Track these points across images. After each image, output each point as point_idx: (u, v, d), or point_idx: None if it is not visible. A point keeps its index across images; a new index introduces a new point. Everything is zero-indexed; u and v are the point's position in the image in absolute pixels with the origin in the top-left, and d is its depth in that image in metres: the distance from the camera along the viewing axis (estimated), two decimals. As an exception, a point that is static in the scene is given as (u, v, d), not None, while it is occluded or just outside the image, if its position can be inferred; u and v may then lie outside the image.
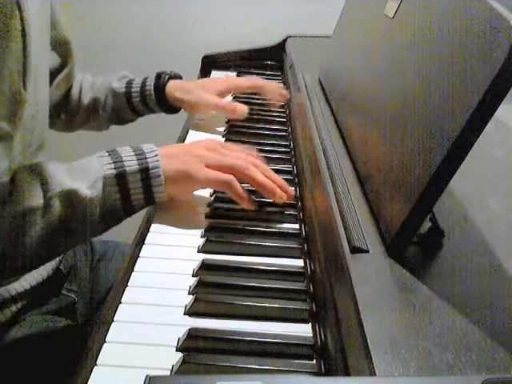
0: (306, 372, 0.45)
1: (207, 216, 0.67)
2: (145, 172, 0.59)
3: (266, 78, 1.21)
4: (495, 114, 0.40)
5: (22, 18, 0.55)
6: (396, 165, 0.50)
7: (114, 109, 0.92)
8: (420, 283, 0.42)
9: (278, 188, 0.65)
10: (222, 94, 0.93)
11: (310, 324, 0.50)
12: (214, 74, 1.24)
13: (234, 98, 1.08)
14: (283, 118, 1.00)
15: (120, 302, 0.51)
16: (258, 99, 1.08)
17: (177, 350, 0.46)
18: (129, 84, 0.91)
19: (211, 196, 0.71)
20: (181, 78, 0.94)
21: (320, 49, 1.02)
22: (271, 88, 1.00)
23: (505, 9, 0.42)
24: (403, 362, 0.34)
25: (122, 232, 0.88)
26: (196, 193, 0.71)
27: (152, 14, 1.52)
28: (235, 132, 0.92)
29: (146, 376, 0.31)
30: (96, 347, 0.46)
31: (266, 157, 0.82)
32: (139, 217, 0.69)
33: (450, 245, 0.49)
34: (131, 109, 0.92)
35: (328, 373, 0.44)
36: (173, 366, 0.44)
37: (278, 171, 0.78)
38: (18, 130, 0.59)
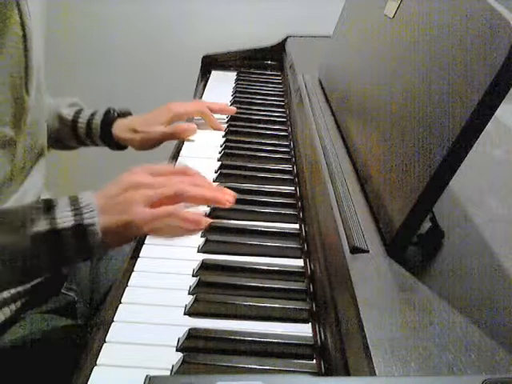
0: (306, 372, 0.45)
1: (207, 216, 0.67)
2: (80, 228, 0.53)
3: (266, 78, 1.22)
4: (495, 113, 0.40)
5: (22, 23, 0.55)
6: (396, 165, 0.50)
7: (58, 135, 0.89)
8: (420, 283, 0.42)
9: (221, 193, 0.63)
10: (168, 124, 0.90)
11: (310, 324, 0.50)
12: (214, 74, 1.25)
13: (233, 99, 1.08)
14: (283, 117, 1.00)
15: (120, 302, 0.51)
16: (258, 99, 1.08)
17: (177, 350, 0.46)
18: (77, 113, 0.89)
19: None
20: (130, 113, 0.93)
21: (320, 49, 1.02)
22: (212, 116, 0.95)
23: (505, 9, 0.42)
24: (403, 362, 0.34)
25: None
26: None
27: (152, 14, 1.52)
28: (235, 132, 0.92)
29: (146, 376, 0.31)
30: (96, 347, 0.46)
31: (266, 157, 0.83)
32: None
33: (449, 245, 0.49)
34: (75, 138, 0.90)
35: (328, 373, 0.44)
36: (173, 366, 0.44)
37: (278, 171, 0.79)
38: (22, 135, 0.59)
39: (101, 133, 0.88)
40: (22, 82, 0.57)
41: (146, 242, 0.61)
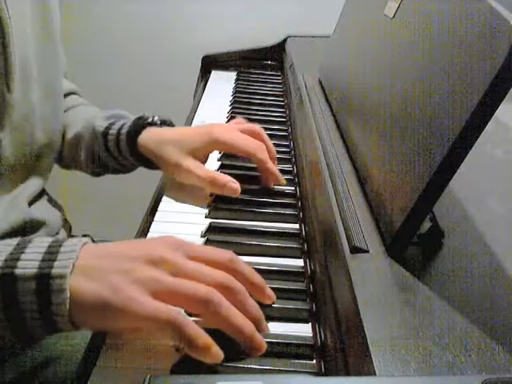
0: (306, 372, 0.45)
1: (207, 216, 0.67)
2: (43, 280, 0.40)
3: (266, 78, 1.22)
4: (495, 113, 0.40)
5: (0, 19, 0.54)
6: (396, 165, 0.50)
7: (92, 149, 0.75)
8: (420, 283, 0.42)
9: (256, 332, 0.44)
10: (203, 151, 0.69)
11: (309, 324, 0.50)
12: (214, 74, 1.25)
13: (233, 99, 1.08)
14: (283, 118, 1.00)
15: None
16: (258, 99, 1.08)
17: (176, 350, 0.46)
18: (111, 124, 0.73)
19: (211, 196, 0.71)
20: (171, 124, 0.75)
21: (320, 49, 1.02)
22: (270, 167, 0.70)
23: (505, 9, 0.42)
24: (403, 362, 0.34)
25: (122, 232, 0.88)
26: (196, 192, 0.71)
27: (152, 14, 1.52)
28: (235, 132, 0.92)
29: (146, 376, 0.31)
30: (96, 347, 0.46)
31: (266, 157, 0.83)
32: (139, 216, 0.69)
33: (449, 245, 0.49)
34: (108, 153, 0.73)
35: (328, 373, 0.44)
36: (173, 366, 0.44)
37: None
38: (7, 132, 0.58)
39: (126, 143, 0.70)
40: (2, 80, 0.56)
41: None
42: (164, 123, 0.74)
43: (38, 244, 0.43)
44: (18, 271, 0.40)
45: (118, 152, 0.72)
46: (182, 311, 0.43)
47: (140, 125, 0.71)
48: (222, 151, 0.73)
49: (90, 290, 0.40)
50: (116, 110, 0.77)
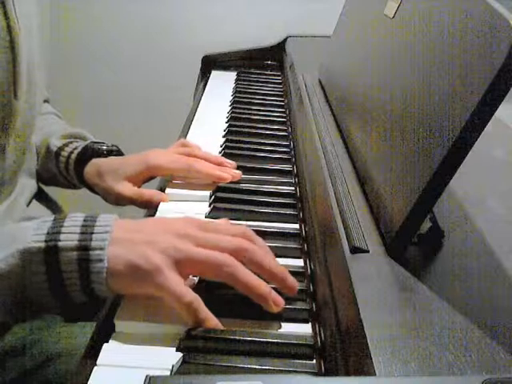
0: (306, 372, 0.45)
1: (207, 216, 0.67)
2: (83, 251, 0.45)
3: (266, 78, 1.22)
4: (495, 113, 0.40)
5: (8, 27, 0.54)
6: (396, 165, 0.50)
7: (45, 164, 0.79)
8: (420, 283, 0.42)
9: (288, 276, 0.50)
10: (138, 177, 0.72)
11: (309, 324, 0.50)
12: (214, 74, 1.25)
13: (233, 99, 1.08)
14: (283, 118, 1.00)
15: (120, 302, 0.51)
16: (258, 99, 1.08)
17: (177, 350, 0.46)
18: (65, 145, 0.77)
19: (211, 196, 0.71)
20: (118, 152, 0.79)
21: (320, 49, 1.02)
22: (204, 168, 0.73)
23: (505, 9, 0.42)
24: (403, 362, 0.34)
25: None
26: (196, 192, 0.71)
27: (152, 14, 1.52)
28: (235, 132, 0.92)
29: (146, 376, 0.31)
30: (96, 347, 0.46)
31: (266, 157, 0.83)
32: (139, 216, 0.69)
33: (449, 245, 0.49)
34: (59, 171, 0.78)
35: (328, 373, 0.44)
36: (173, 366, 0.44)
37: (278, 171, 0.79)
38: (12, 139, 0.59)
39: (74, 169, 0.76)
40: (11, 87, 0.56)
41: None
42: (110, 153, 0.77)
43: (73, 219, 0.47)
44: (60, 243, 0.45)
45: (66, 173, 0.77)
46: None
47: (87, 156, 0.75)
48: (159, 175, 0.75)
49: (123, 258, 0.45)
50: (74, 130, 0.81)
